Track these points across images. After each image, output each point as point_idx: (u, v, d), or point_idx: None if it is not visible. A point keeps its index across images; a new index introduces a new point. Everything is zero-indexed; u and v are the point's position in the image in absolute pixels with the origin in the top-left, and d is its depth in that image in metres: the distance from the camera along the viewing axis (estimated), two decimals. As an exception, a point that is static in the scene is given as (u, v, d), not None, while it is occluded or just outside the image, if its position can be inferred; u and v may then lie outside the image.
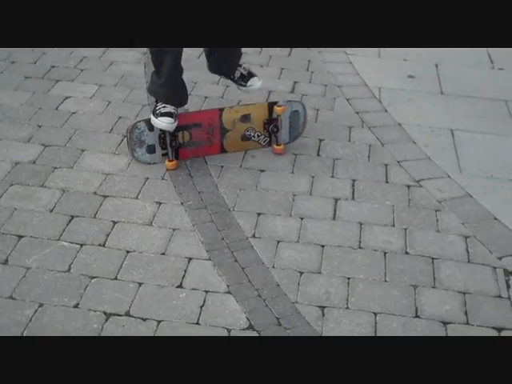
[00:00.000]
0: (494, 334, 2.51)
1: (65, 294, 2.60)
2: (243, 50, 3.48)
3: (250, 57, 4.36)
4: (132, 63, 4.24)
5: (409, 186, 3.26)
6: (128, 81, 4.04)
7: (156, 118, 3.22)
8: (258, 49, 4.48)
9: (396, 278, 2.75)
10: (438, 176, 3.34)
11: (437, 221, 3.05)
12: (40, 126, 3.57)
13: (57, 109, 3.73)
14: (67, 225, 2.93)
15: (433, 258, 2.85)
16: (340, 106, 3.90)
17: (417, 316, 2.58)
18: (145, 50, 4.38)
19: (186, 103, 3.42)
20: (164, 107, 3.23)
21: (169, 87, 3.25)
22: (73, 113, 3.70)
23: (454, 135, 3.67)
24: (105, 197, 3.11)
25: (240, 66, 3.50)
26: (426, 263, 2.82)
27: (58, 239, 2.86)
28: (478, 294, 2.69)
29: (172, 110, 3.23)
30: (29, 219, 2.95)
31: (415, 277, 2.76)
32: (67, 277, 2.68)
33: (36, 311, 2.52)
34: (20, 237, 2.86)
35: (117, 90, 3.94)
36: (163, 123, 3.20)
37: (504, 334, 2.51)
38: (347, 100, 3.96)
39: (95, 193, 3.13)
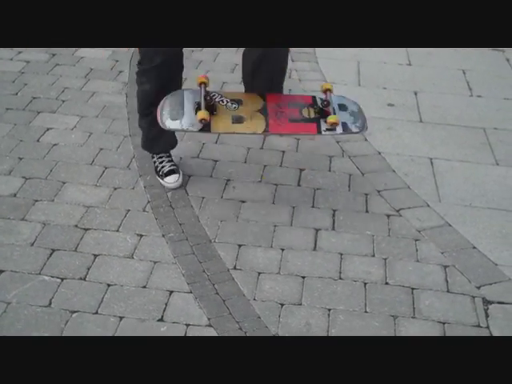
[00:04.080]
0: (474, 364, 2.53)
1: (45, 330, 2.59)
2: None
3: (229, 84, 4.40)
4: (113, 94, 4.27)
5: (389, 216, 3.29)
6: (109, 112, 4.06)
7: (162, 179, 3.38)
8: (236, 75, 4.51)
9: (376, 309, 2.77)
10: (417, 205, 3.37)
11: (416, 250, 3.08)
12: (21, 159, 3.57)
13: (38, 141, 3.74)
14: (48, 259, 2.93)
15: (412, 288, 2.87)
16: (320, 137, 3.93)
17: (397, 347, 2.59)
18: (126, 80, 4.42)
19: (174, 147, 3.50)
20: (162, 165, 3.35)
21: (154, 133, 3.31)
22: (54, 144, 3.71)
23: (433, 164, 3.71)
24: (86, 230, 3.11)
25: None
26: (406, 293, 2.84)
27: (39, 273, 2.85)
28: (457, 323, 2.71)
29: (173, 167, 3.37)
30: (9, 253, 2.95)
31: (395, 307, 2.78)
32: (48, 312, 2.67)
33: (16, 347, 2.51)
34: (0, 271, 2.85)
35: (98, 121, 3.96)
36: (169, 184, 3.36)
37: (483, 364, 2.53)
38: (327, 129, 3.99)
39: (76, 226, 3.13)
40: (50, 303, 2.72)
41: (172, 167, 3.40)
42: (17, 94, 4.21)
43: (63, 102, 4.15)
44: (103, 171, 3.51)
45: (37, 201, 3.27)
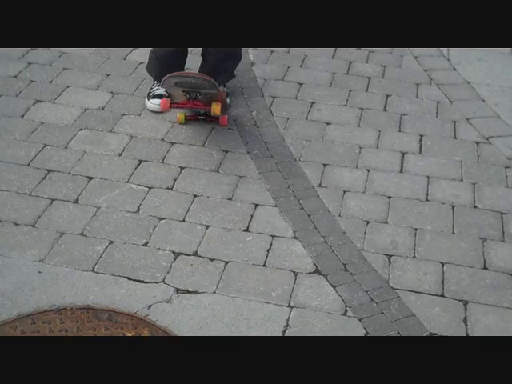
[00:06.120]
0: None
1: (134, 233, 2.64)
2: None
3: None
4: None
5: (478, 143, 3.21)
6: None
7: (148, 100, 3.35)
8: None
9: (464, 231, 2.72)
10: (508, 134, 3.28)
11: (506, 177, 3.00)
12: (108, 75, 3.61)
13: (124, 59, 3.77)
14: (135, 168, 2.97)
15: (502, 213, 2.80)
16: (407, 64, 3.85)
17: (485, 268, 2.55)
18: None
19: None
20: (157, 89, 3.34)
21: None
22: (140, 63, 3.72)
23: (525, 95, 3.59)
24: (172, 143, 3.14)
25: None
26: (495, 217, 2.78)
27: (127, 181, 2.90)
28: (548, 248, 2.64)
29: (163, 92, 3.27)
30: (98, 162, 3.00)
31: (484, 230, 2.72)
32: (136, 217, 2.72)
33: (106, 248, 2.57)
34: (90, 178, 2.91)
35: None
36: (154, 105, 3.31)
37: None
38: (415, 58, 3.90)
39: (163, 139, 3.16)
40: (139, 209, 2.76)
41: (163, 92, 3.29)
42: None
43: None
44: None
45: (124, 115, 3.31)
